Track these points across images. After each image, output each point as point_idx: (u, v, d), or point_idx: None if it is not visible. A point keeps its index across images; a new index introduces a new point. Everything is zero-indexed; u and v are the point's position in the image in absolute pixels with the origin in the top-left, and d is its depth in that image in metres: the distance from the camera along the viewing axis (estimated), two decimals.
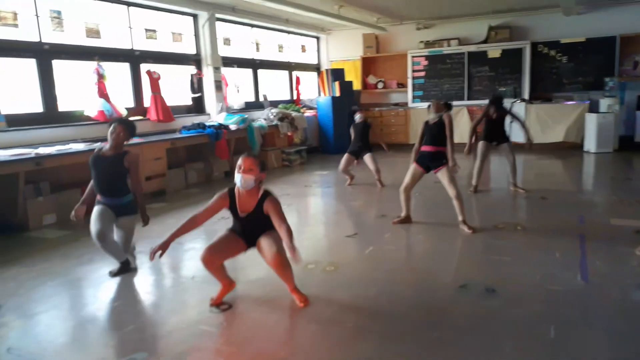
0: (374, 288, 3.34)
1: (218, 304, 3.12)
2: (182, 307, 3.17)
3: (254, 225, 2.99)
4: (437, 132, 4.59)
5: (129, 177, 3.76)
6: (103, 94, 6.23)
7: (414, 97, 10.82)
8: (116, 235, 3.74)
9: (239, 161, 2.93)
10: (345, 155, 6.76)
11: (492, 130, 6.00)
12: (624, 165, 7.68)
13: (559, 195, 5.83)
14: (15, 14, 5.46)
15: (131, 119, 6.55)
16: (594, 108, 9.03)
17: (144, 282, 3.67)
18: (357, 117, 6.87)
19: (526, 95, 9.78)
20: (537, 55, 9.73)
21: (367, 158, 6.73)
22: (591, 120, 8.79)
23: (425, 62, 10.59)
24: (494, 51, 9.96)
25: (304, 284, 3.40)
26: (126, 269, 3.77)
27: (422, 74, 10.63)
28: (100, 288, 3.55)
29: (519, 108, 9.23)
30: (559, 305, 2.96)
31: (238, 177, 2.91)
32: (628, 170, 7.34)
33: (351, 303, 3.14)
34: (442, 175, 4.56)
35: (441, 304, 3.07)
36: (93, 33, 6.35)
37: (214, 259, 3.02)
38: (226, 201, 3.01)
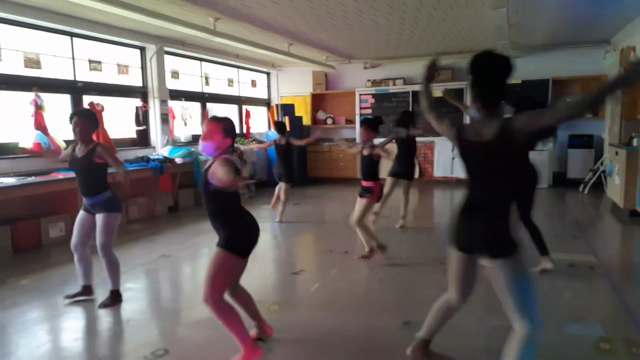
0: (318, 328, 3.28)
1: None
2: (116, 356, 2.98)
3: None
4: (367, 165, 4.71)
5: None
6: (41, 125, 5.97)
7: None
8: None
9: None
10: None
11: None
12: (557, 201, 8.09)
13: None
14: None
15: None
16: None
17: (73, 327, 3.44)
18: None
19: None
20: None
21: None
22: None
23: (372, 100, 10.89)
24: (437, 91, 10.37)
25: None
26: (86, 293, 3.84)
27: (369, 111, 10.91)
28: (25, 334, 3.30)
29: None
30: (502, 341, 3.01)
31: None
32: (561, 206, 7.73)
33: (295, 346, 3.07)
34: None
35: (386, 342, 3.05)
36: (32, 63, 6.12)
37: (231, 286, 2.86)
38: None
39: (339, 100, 11.49)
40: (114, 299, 3.77)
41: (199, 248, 5.57)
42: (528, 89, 9.79)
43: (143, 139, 8.02)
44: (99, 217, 3.69)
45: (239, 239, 2.69)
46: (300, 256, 5.46)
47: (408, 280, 4.29)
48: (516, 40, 8.54)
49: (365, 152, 4.62)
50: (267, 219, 7.13)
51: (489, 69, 2.23)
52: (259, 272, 4.69)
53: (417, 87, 10.51)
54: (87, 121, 3.67)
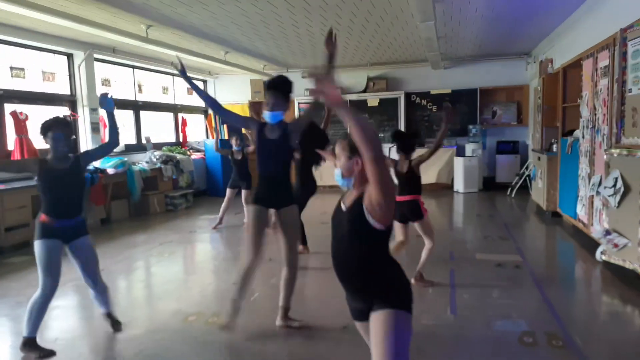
0: (259, 336, 3.27)
1: None
2: None
3: None
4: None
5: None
6: None
7: None
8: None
9: None
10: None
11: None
12: (487, 204, 8.51)
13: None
14: None
15: None
16: (460, 152, 9.99)
17: None
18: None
19: None
20: (411, 104, 10.61)
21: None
22: (459, 163, 9.69)
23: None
24: (373, 100, 10.66)
25: (183, 339, 3.25)
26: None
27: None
28: None
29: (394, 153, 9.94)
30: (432, 339, 3.13)
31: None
32: (491, 208, 8.15)
33: (237, 358, 3.04)
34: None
35: (328, 347, 3.09)
36: None
37: None
38: None
39: None
40: None
41: (132, 261, 5.37)
42: (458, 98, 10.31)
43: (72, 149, 7.64)
44: (84, 241, 3.20)
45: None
46: (240, 266, 5.39)
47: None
48: (445, 51, 8.96)
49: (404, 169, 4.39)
50: (205, 229, 7.02)
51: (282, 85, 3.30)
52: (198, 284, 4.62)
53: (353, 97, 10.75)
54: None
